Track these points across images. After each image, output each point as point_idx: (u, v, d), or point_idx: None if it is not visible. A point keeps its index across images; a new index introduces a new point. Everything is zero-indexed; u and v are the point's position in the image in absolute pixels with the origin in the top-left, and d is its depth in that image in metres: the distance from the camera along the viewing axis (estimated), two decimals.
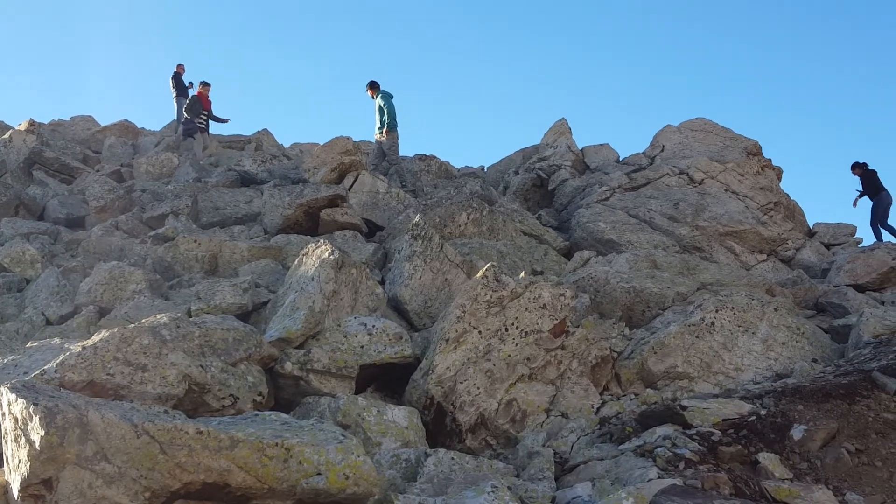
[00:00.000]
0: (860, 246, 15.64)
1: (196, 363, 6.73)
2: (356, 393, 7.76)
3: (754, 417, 7.07)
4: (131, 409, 4.94)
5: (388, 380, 8.35)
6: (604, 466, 6.54)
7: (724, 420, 7.05)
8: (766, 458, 6.42)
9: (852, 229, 16.74)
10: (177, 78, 24.82)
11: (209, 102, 22.66)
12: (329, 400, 7.14)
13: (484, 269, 8.54)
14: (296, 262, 9.45)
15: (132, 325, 6.74)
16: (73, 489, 4.24)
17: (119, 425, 4.38)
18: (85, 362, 6.17)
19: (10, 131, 20.11)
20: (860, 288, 12.83)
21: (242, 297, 9.37)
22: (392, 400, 8.05)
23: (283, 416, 5.60)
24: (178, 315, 7.22)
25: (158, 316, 7.07)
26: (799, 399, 7.39)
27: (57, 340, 7.13)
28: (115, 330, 6.59)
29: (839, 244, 16.24)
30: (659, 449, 6.46)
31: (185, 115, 21.58)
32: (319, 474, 4.71)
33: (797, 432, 6.80)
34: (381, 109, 17.43)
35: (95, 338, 6.50)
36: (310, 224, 13.56)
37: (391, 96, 17.53)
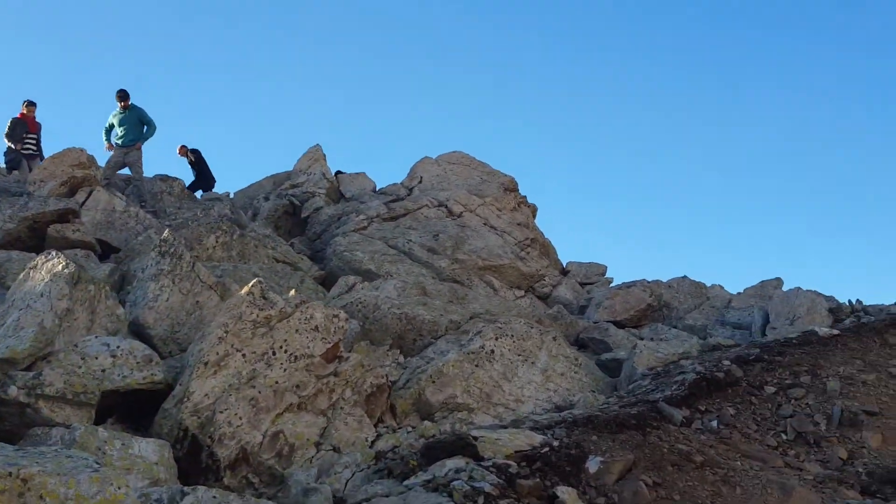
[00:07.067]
0: (611, 286, 16.05)
1: None
2: (95, 424, 6.60)
3: (547, 448, 6.66)
4: None
5: (131, 409, 7.23)
6: (390, 503, 5.83)
7: (516, 451, 6.61)
8: (564, 492, 6.04)
9: (603, 269, 17.31)
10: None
11: (37, 125, 18.16)
12: (62, 431, 6.02)
13: (250, 284, 7.67)
14: (20, 276, 8.12)
15: None
16: None
17: None
18: None
19: None
20: (619, 324, 13.09)
21: None
22: (137, 433, 6.93)
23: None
24: None
25: None
26: (592, 429, 7.11)
27: None
28: None
29: (592, 283, 16.65)
30: (455, 482, 5.87)
31: (6, 141, 17.45)
32: None
33: (593, 464, 6.46)
34: (139, 121, 15.80)
35: None
36: (35, 241, 11.94)
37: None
